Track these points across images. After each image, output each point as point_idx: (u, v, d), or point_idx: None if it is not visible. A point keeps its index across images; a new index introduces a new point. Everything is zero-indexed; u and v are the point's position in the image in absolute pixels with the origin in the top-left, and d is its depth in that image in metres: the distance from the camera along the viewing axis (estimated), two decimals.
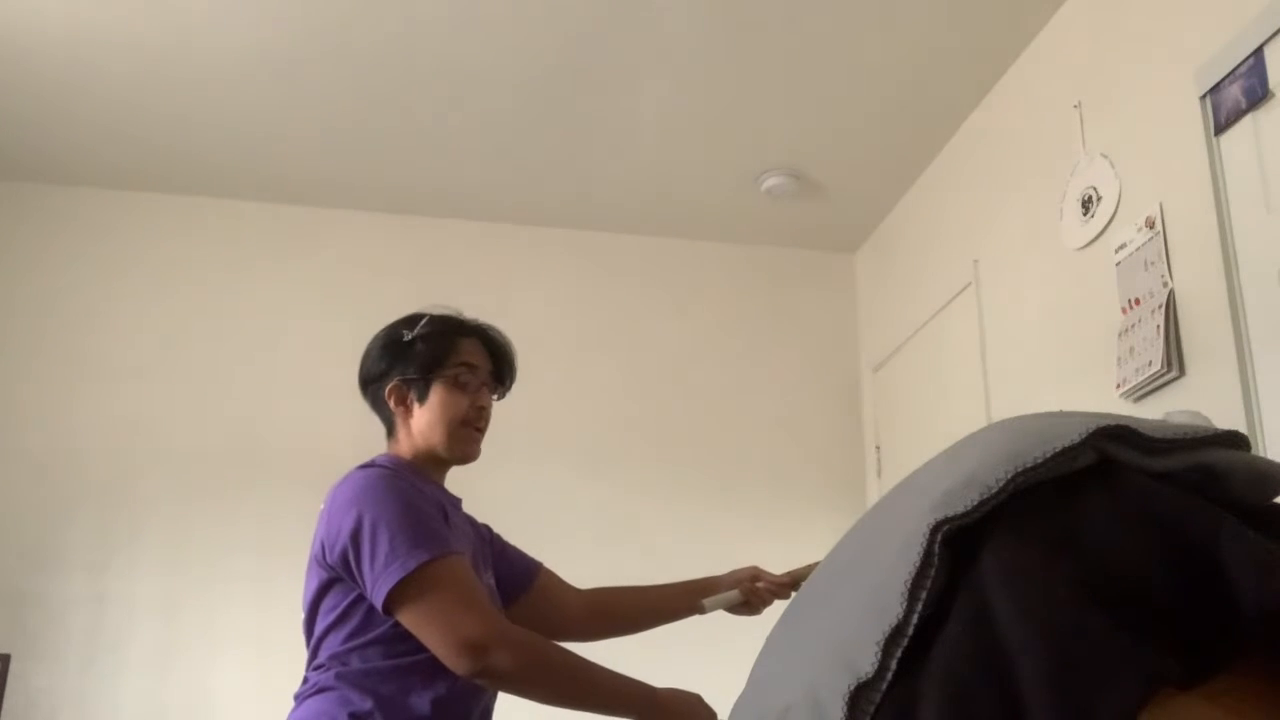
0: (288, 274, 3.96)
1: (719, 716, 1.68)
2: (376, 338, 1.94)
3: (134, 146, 3.69)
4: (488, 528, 2.06)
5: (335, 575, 1.72)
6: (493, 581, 1.93)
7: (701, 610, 1.98)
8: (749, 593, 2.00)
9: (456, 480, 1.97)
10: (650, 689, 1.72)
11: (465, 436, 1.87)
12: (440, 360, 1.87)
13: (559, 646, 1.74)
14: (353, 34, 3.14)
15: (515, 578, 2.02)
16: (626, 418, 4.00)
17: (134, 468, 3.66)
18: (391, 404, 1.89)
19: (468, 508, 2.00)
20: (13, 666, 3.39)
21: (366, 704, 1.65)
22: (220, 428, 3.74)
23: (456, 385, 1.86)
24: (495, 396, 1.95)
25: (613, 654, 1.87)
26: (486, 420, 1.91)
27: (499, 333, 1.98)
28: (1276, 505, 0.79)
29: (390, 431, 1.92)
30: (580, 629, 2.09)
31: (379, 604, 1.65)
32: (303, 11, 3.05)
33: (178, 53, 3.22)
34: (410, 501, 1.72)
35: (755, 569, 2.04)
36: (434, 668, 1.69)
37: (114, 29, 3.12)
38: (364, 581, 1.67)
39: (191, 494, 3.65)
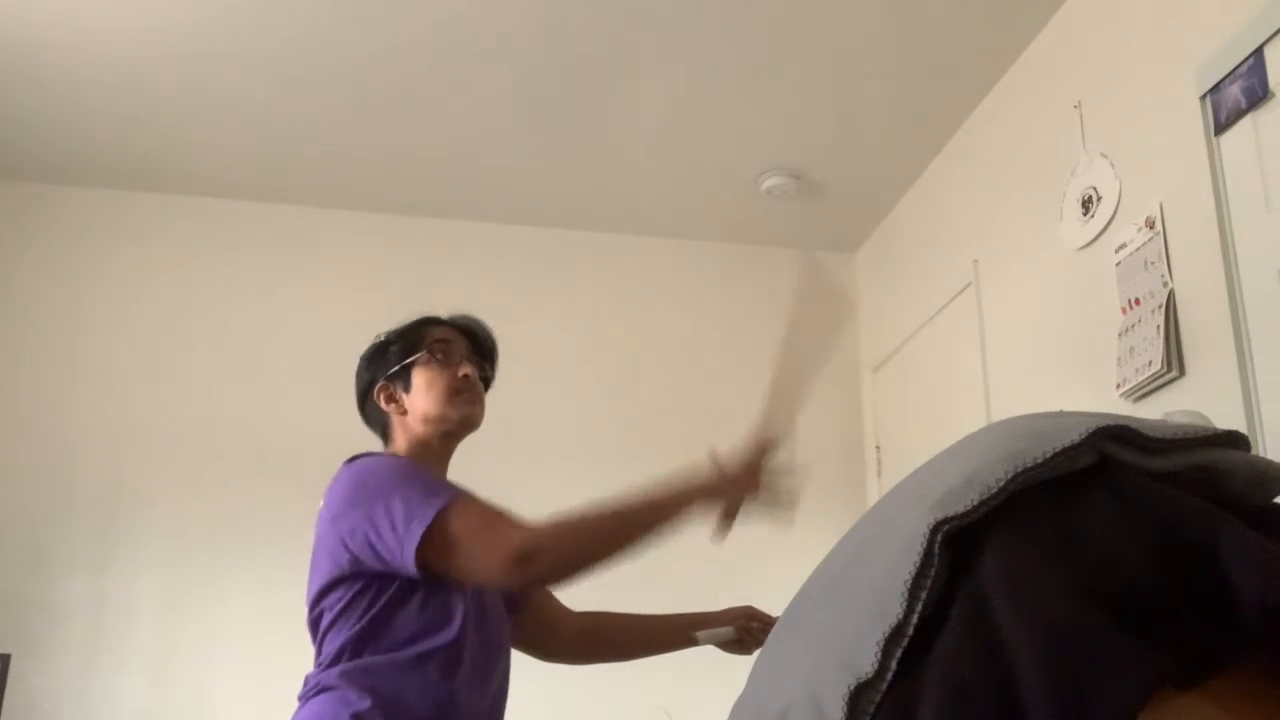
0: (287, 274, 3.96)
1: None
2: (361, 356, 2.00)
3: (133, 147, 3.69)
4: None
5: (344, 573, 1.72)
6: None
7: (694, 643, 1.99)
8: (743, 631, 2.01)
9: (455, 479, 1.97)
10: (670, 488, 1.71)
11: (460, 401, 1.89)
12: (414, 347, 1.92)
13: (577, 515, 1.70)
14: (354, 35, 3.15)
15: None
16: (626, 418, 3.99)
17: (134, 468, 3.66)
18: (383, 404, 1.92)
19: None
20: (13, 666, 3.39)
21: (365, 703, 1.66)
22: (220, 428, 3.74)
23: (435, 361, 1.91)
24: (478, 372, 1.96)
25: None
26: (477, 388, 1.93)
27: (473, 317, 2.03)
28: (1276, 505, 0.79)
29: (386, 437, 1.94)
30: (571, 651, 2.10)
31: (411, 565, 1.64)
32: (303, 12, 3.05)
33: (178, 53, 3.22)
34: (405, 466, 1.77)
35: (750, 608, 2.05)
36: (435, 667, 1.69)
37: (114, 29, 3.12)
38: (391, 554, 1.67)
39: (191, 494, 3.65)
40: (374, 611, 1.70)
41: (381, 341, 1.97)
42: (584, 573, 1.66)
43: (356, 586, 1.72)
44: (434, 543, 1.64)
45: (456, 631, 1.72)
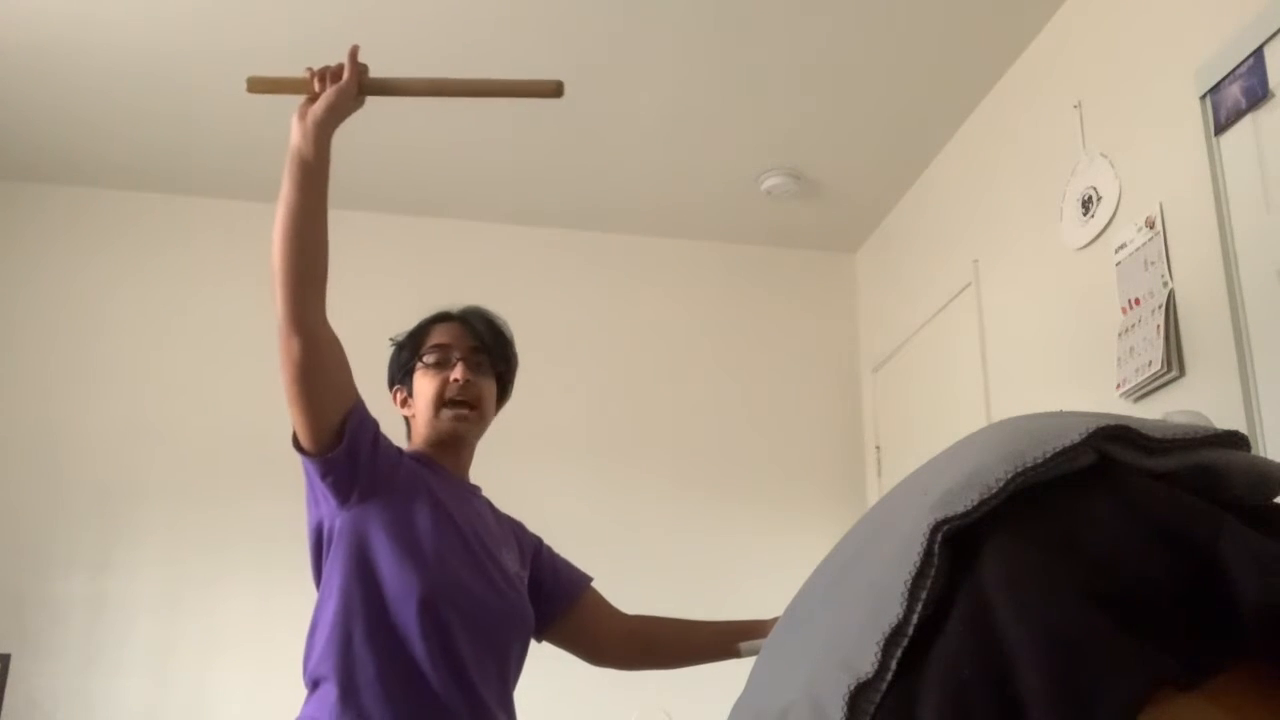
0: None
1: None
2: None
3: (134, 146, 3.69)
4: (538, 538, 2.07)
5: (318, 530, 1.78)
6: (516, 568, 1.93)
7: (737, 654, 1.93)
8: None
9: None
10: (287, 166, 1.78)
11: (443, 415, 1.90)
12: (415, 352, 1.96)
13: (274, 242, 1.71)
14: (352, 35, 3.14)
15: (561, 588, 2.02)
16: (626, 417, 3.99)
17: (134, 468, 3.66)
18: (399, 408, 1.98)
19: None
20: (13, 666, 3.39)
21: (349, 714, 1.66)
22: (220, 427, 3.73)
23: (429, 368, 1.93)
24: (481, 369, 1.95)
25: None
26: (472, 392, 1.91)
27: (483, 311, 2.04)
28: (1276, 505, 0.78)
29: (408, 436, 2.00)
30: (617, 655, 2.09)
31: (300, 454, 1.80)
32: (302, 12, 3.05)
33: (178, 52, 3.22)
34: None
35: None
36: (412, 669, 1.69)
37: (114, 29, 3.13)
38: (304, 464, 1.80)
39: (191, 494, 3.65)
40: (346, 585, 1.72)
41: (395, 346, 2.02)
42: (298, 274, 1.67)
43: (329, 561, 1.75)
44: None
45: (436, 629, 1.72)
